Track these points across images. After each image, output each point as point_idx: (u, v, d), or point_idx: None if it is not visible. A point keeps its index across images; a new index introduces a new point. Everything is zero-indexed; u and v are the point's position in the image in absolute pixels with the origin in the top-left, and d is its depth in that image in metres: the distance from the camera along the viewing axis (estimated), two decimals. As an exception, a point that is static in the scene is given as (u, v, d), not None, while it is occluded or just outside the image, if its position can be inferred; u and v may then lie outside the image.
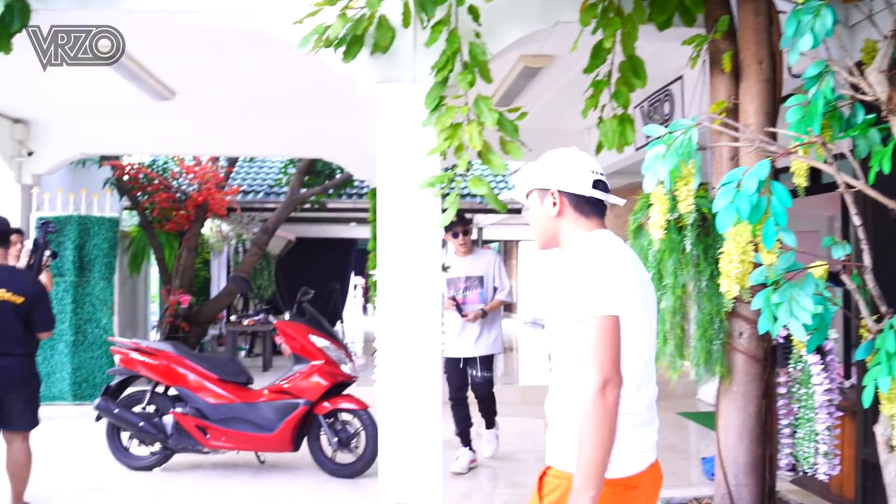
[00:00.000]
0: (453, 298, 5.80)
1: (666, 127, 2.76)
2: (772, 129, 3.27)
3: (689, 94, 6.23)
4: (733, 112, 3.58)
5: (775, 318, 2.55)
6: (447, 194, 3.69)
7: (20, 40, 3.77)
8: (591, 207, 2.24)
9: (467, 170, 3.64)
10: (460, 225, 5.78)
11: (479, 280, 5.92)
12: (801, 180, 2.85)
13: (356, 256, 18.47)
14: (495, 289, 6.00)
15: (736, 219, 2.39)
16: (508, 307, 18.13)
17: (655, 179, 2.97)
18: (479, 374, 5.83)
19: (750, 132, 3.21)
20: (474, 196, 13.03)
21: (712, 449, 6.66)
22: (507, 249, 25.82)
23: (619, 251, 2.18)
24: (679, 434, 7.30)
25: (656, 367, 3.45)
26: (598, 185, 2.24)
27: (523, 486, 5.50)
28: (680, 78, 6.31)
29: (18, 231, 7.39)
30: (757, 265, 2.63)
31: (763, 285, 2.63)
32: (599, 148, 4.03)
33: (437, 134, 3.65)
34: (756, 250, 2.56)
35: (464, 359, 5.85)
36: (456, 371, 5.89)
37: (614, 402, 1.96)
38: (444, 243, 5.48)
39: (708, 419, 7.82)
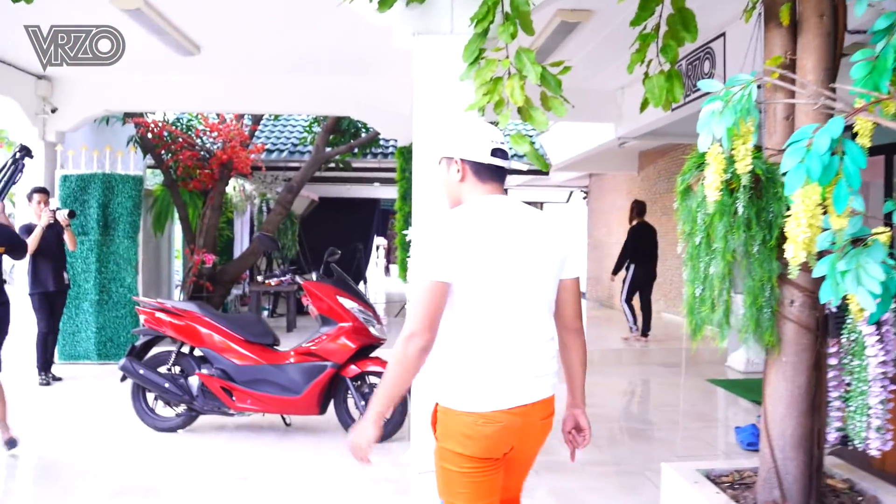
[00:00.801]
0: None
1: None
2: (834, 86, 3.08)
3: (732, 52, 6.00)
4: (788, 69, 3.39)
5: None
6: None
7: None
8: (490, 174, 2.45)
9: (504, 126, 3.47)
10: None
11: None
12: (865, 140, 2.66)
13: (379, 217, 18.36)
14: None
15: (806, 180, 2.22)
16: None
17: (711, 138, 2.80)
18: None
19: (810, 89, 3.02)
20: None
21: (744, 418, 6.57)
22: (531, 212, 25.56)
23: (484, 218, 2.37)
24: (709, 402, 7.17)
25: (702, 336, 3.36)
26: (496, 153, 2.45)
27: (554, 453, 5.40)
28: (722, 35, 6.08)
29: (42, 190, 7.36)
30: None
31: (824, 252, 2.47)
32: (644, 105, 3.84)
33: (476, 88, 3.47)
34: (824, 213, 2.39)
35: None
36: None
37: (414, 351, 2.25)
38: None
39: (737, 386, 7.69)
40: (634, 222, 10.30)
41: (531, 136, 13.90)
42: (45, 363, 7.50)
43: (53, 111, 8.54)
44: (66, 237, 7.44)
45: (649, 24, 3.68)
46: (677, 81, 3.72)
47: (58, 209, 7.31)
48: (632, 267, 10.23)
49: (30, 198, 7.36)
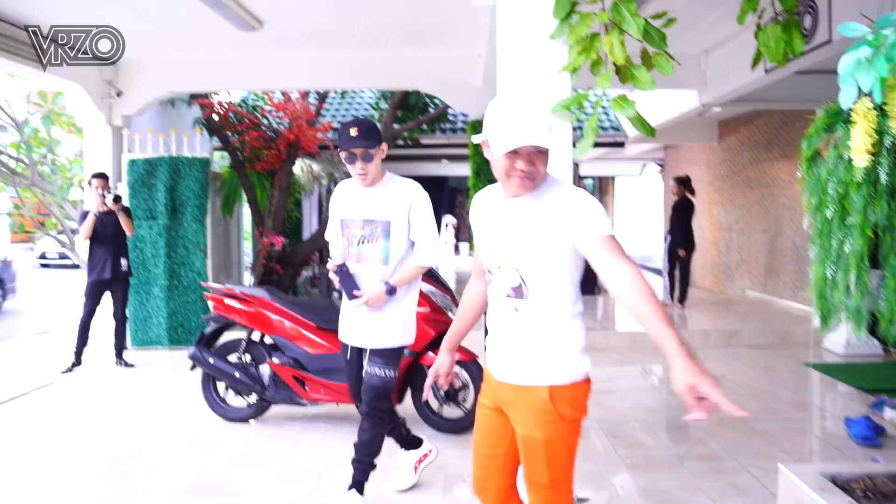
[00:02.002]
0: (340, 269, 3.71)
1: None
2: None
3: (840, 4, 5.44)
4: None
5: None
6: (583, 120, 3.13)
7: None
8: None
9: (605, 88, 3.06)
10: (358, 145, 3.56)
11: (385, 228, 3.70)
12: None
13: (448, 195, 18.07)
14: (412, 244, 3.80)
15: None
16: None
17: (856, 91, 2.37)
18: (371, 370, 3.80)
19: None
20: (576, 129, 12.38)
21: (848, 406, 6.05)
22: (603, 186, 24.97)
23: None
24: (809, 389, 6.65)
25: (834, 324, 2.94)
26: None
27: (648, 446, 5.01)
28: (828, -15, 5.51)
29: (101, 175, 7.25)
30: None
31: None
32: (756, 60, 3.39)
33: (570, 47, 3.06)
34: None
35: (357, 348, 3.91)
36: (353, 363, 3.98)
37: None
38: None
39: (838, 371, 7.15)
40: (676, 198, 10.96)
41: (605, 107, 13.29)
42: (80, 349, 7.45)
43: (119, 95, 8.43)
44: (122, 222, 7.30)
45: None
46: (797, 31, 3.26)
47: (107, 194, 7.21)
48: (668, 238, 10.99)
49: (89, 183, 7.28)
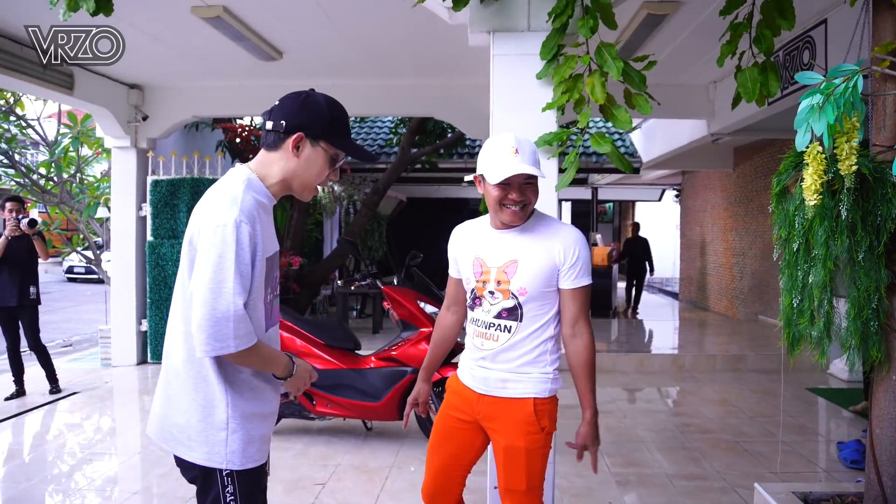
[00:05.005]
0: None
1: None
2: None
3: (835, 40, 5.63)
4: (899, 57, 3.08)
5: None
6: (566, 153, 3.35)
7: (127, 5, 3.64)
8: None
9: (584, 126, 3.28)
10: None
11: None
12: None
13: (467, 217, 18.32)
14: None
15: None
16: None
17: (809, 135, 2.57)
18: None
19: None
20: (590, 155, 12.60)
21: (846, 431, 6.17)
22: (623, 210, 25.10)
23: None
24: (808, 413, 6.76)
25: (800, 350, 3.12)
26: None
27: (642, 465, 5.17)
28: (823, 22, 5.70)
29: (15, 198, 7.08)
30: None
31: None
32: (736, 101, 3.59)
33: (555, 87, 3.30)
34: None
35: None
36: None
37: None
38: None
39: (839, 396, 7.26)
40: (630, 235, 15.31)
41: (621, 134, 13.63)
42: (18, 377, 7.16)
43: (145, 119, 8.75)
44: (38, 247, 7.07)
45: (741, 12, 3.44)
46: (773, 74, 3.45)
47: (21, 218, 6.90)
48: (625, 263, 15.38)
49: (2, 206, 6.98)
